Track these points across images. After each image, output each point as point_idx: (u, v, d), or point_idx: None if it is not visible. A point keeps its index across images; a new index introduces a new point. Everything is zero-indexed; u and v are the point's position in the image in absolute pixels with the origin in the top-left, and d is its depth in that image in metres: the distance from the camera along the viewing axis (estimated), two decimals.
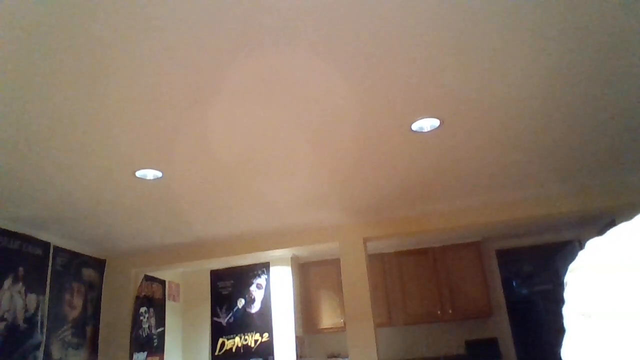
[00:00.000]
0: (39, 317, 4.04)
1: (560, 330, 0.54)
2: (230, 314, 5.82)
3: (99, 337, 4.82)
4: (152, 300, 5.43)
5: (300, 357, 5.52)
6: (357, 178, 3.62)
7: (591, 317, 0.47)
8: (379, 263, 6.02)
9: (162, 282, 5.71)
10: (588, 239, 0.53)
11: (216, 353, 5.73)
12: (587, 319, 0.47)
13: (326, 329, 5.85)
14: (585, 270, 0.50)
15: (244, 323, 5.73)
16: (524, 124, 2.93)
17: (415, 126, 2.84)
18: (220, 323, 5.83)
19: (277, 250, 5.08)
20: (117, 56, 2.00)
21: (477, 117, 2.80)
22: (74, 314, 4.50)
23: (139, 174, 3.17)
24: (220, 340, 5.77)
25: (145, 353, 5.14)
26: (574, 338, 0.48)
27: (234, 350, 5.67)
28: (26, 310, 3.91)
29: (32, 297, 3.98)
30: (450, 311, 5.69)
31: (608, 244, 0.50)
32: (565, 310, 0.51)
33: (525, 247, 6.13)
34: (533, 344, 7.04)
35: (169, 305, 5.77)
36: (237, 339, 5.70)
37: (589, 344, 0.46)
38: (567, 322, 0.50)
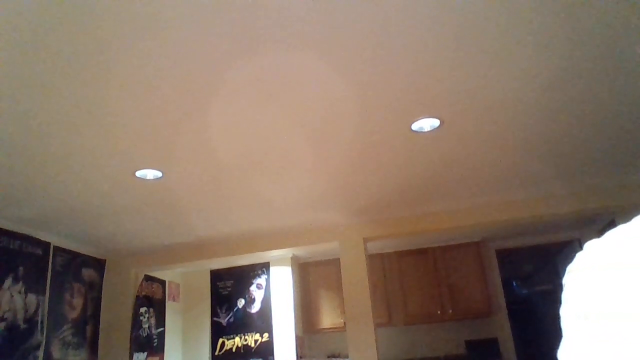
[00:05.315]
0: (39, 317, 4.04)
1: (560, 331, 0.54)
2: (231, 314, 5.82)
3: (99, 337, 4.83)
4: (152, 300, 5.43)
5: (300, 357, 5.52)
6: (357, 178, 3.62)
7: (588, 319, 0.47)
8: (379, 263, 6.02)
9: (162, 282, 5.71)
10: (588, 239, 0.53)
11: (216, 353, 5.73)
12: (584, 321, 0.47)
13: (326, 329, 5.85)
14: (583, 271, 0.50)
15: (244, 323, 5.73)
16: (524, 123, 2.93)
17: (415, 126, 2.84)
18: (220, 323, 5.83)
19: (277, 250, 5.08)
20: (117, 56, 2.00)
21: (477, 117, 2.80)
22: (74, 314, 4.50)
23: (139, 173, 3.17)
24: (220, 340, 5.77)
25: (145, 353, 5.14)
26: (571, 340, 0.49)
27: (234, 350, 5.67)
28: (26, 310, 3.91)
29: (32, 297, 3.98)
30: (450, 311, 5.68)
31: (606, 245, 0.50)
32: (563, 312, 0.51)
33: (525, 247, 6.13)
34: (533, 344, 7.04)
35: (169, 305, 5.77)
36: (237, 339, 5.70)
37: (586, 345, 0.46)
38: (564, 324, 0.50)
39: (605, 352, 0.44)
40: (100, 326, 4.86)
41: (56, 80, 2.12)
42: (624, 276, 0.45)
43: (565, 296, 0.51)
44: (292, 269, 5.79)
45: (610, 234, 0.50)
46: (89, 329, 4.70)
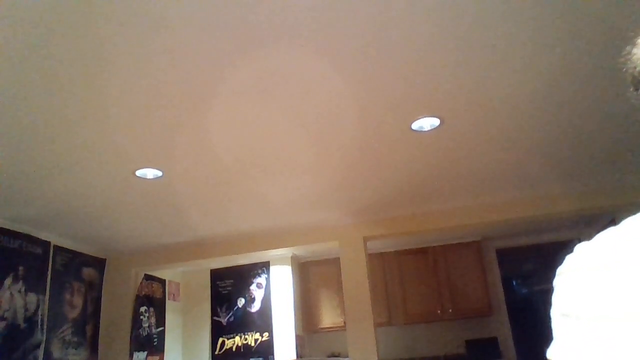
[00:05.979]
0: (39, 317, 4.04)
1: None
2: (231, 313, 5.82)
3: (99, 336, 4.83)
4: (152, 299, 5.43)
5: (300, 356, 5.52)
6: (357, 177, 3.62)
7: (572, 318, 0.47)
8: (379, 262, 6.02)
9: (162, 282, 5.71)
10: (588, 238, 0.53)
11: (216, 352, 5.74)
12: (569, 320, 0.48)
13: (326, 328, 5.86)
14: (572, 273, 0.51)
15: (244, 322, 5.73)
16: (524, 123, 2.93)
17: (415, 125, 2.84)
18: (221, 322, 5.83)
19: (277, 249, 5.08)
20: (117, 55, 2.00)
21: (477, 116, 2.80)
22: (74, 313, 4.50)
23: (139, 173, 3.17)
24: (221, 339, 5.77)
25: (145, 352, 5.14)
26: (561, 339, 0.49)
27: (234, 349, 5.68)
28: (26, 310, 3.91)
29: (32, 297, 3.98)
30: (450, 310, 5.69)
31: (594, 247, 0.50)
32: (553, 313, 0.52)
33: (526, 246, 6.13)
34: (533, 343, 7.04)
35: (169, 304, 5.77)
36: (237, 338, 5.71)
37: (576, 345, 0.47)
38: (554, 324, 0.51)
39: (594, 352, 0.44)
40: (100, 325, 4.86)
41: (56, 80, 2.12)
42: (613, 277, 0.46)
43: (555, 297, 0.52)
44: (292, 269, 5.79)
45: (600, 236, 0.51)
46: (89, 328, 4.70)
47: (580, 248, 0.52)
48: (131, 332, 4.91)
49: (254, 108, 2.51)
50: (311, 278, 6.06)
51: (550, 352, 0.50)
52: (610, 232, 0.50)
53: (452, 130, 2.94)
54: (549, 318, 0.52)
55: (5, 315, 3.69)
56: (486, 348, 5.63)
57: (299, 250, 5.60)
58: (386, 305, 5.87)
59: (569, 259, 0.53)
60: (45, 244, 4.22)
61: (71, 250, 4.55)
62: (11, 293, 3.78)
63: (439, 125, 2.86)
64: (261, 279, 5.81)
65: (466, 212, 4.60)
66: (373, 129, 2.86)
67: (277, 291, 5.73)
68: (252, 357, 5.57)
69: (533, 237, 6.06)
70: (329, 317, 5.86)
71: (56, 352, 4.21)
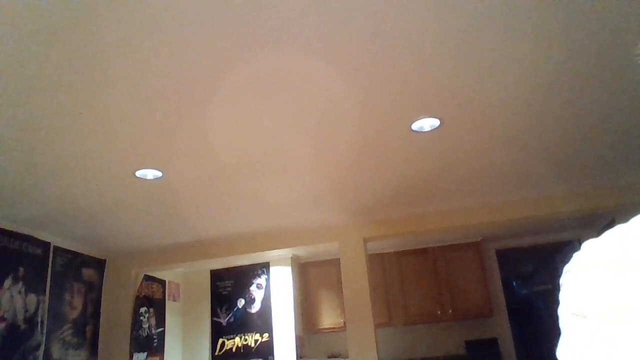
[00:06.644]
0: (39, 317, 4.04)
1: (559, 330, 0.55)
2: (230, 314, 5.82)
3: (99, 337, 4.82)
4: (152, 300, 5.43)
5: (300, 357, 5.52)
6: (357, 178, 3.62)
7: (583, 317, 0.47)
8: (379, 263, 6.02)
9: (162, 282, 5.71)
10: (588, 238, 0.53)
11: (216, 353, 5.74)
12: (579, 319, 0.48)
13: (326, 329, 5.85)
14: (580, 271, 0.50)
15: (244, 323, 5.73)
16: (524, 123, 2.93)
17: (415, 126, 2.84)
18: (220, 323, 5.83)
19: (277, 250, 5.08)
20: (117, 56, 2.00)
21: (477, 116, 2.80)
22: (74, 314, 4.50)
23: (139, 173, 3.17)
24: (221, 340, 5.77)
25: (145, 353, 5.14)
26: (570, 338, 0.49)
27: (234, 350, 5.67)
28: (26, 310, 3.91)
29: (32, 297, 3.98)
30: (450, 311, 5.68)
31: (602, 245, 0.50)
32: (561, 311, 0.51)
33: (525, 247, 6.13)
34: (533, 344, 7.03)
35: (169, 305, 5.77)
36: (237, 339, 5.70)
37: (585, 344, 0.46)
38: (562, 323, 0.51)
39: (603, 351, 0.44)
40: (100, 326, 4.86)
41: (56, 81, 2.12)
42: (621, 276, 0.45)
43: (563, 296, 0.52)
44: (292, 269, 5.79)
45: (608, 234, 0.50)
46: (89, 329, 4.70)
47: (589, 245, 0.52)
48: (131, 333, 4.91)
49: (254, 108, 2.51)
50: (311, 279, 6.05)
51: (559, 352, 0.50)
52: (619, 229, 0.50)
53: (452, 130, 2.94)
54: (554, 317, 0.52)
55: (5, 316, 3.68)
56: (486, 349, 5.63)
57: (299, 251, 5.60)
58: (386, 305, 5.86)
59: (577, 257, 0.52)
60: (45, 244, 4.22)
61: (71, 251, 4.55)
62: (11, 294, 3.78)
63: (439, 126, 2.86)
64: (261, 280, 5.81)
65: (466, 213, 4.60)
66: (373, 130, 2.86)
67: (277, 292, 5.72)
68: (252, 358, 5.57)
69: (533, 238, 6.06)
70: (329, 318, 5.86)
71: (56, 353, 4.20)
